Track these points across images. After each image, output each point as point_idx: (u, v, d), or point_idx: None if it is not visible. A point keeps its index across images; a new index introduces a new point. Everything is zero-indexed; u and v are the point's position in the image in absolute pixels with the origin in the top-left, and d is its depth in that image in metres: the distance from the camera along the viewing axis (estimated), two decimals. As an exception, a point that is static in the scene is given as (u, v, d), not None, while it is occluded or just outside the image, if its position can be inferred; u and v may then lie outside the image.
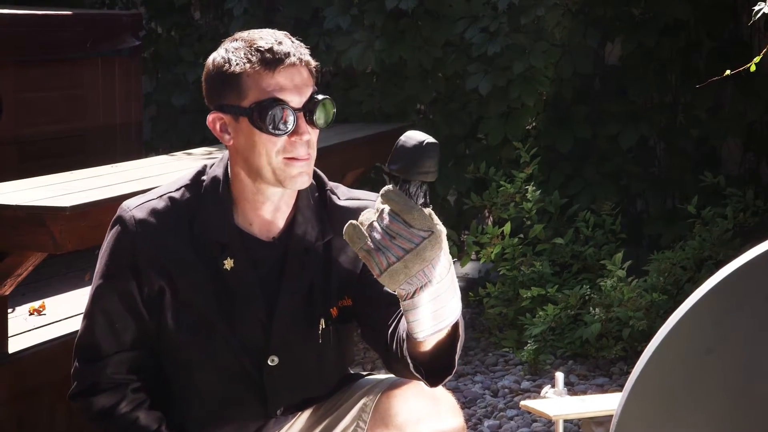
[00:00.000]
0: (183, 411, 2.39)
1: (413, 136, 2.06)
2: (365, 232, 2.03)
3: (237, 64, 2.30)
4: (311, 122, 2.32)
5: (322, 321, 2.40)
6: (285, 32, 2.36)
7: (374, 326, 2.38)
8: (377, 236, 2.02)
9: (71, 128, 5.40)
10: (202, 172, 2.43)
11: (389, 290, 2.09)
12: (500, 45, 5.49)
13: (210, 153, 4.95)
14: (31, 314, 4.16)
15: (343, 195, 2.49)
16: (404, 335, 2.23)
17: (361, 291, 2.41)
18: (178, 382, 2.39)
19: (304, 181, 2.33)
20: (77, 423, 3.75)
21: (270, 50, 2.29)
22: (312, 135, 2.33)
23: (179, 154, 5.03)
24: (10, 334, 3.71)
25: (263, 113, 2.28)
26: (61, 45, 5.42)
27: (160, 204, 2.37)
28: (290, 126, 2.29)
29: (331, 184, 2.48)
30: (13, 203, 3.43)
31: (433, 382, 2.26)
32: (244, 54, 2.30)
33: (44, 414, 3.72)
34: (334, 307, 2.41)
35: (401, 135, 2.07)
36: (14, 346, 3.71)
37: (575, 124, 5.70)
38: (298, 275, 2.38)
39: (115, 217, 2.40)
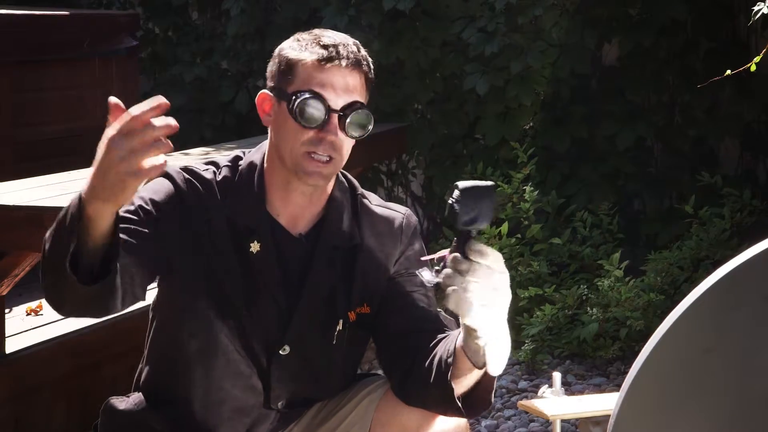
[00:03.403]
0: (184, 386, 2.38)
1: (471, 186, 2.05)
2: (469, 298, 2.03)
3: (297, 52, 2.34)
4: (343, 128, 2.32)
5: (340, 322, 2.41)
6: (355, 41, 2.39)
7: (394, 346, 2.39)
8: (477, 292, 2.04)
9: (68, 128, 5.40)
10: (239, 157, 2.44)
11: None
12: (498, 45, 5.49)
13: (207, 153, 4.95)
14: (28, 314, 4.16)
15: (375, 201, 2.50)
16: (447, 362, 2.24)
17: (388, 307, 2.42)
18: (186, 354, 2.37)
19: (318, 182, 2.33)
20: (74, 423, 3.76)
21: (331, 46, 2.33)
22: (342, 141, 2.33)
23: (176, 154, 5.02)
24: (7, 334, 3.71)
25: (299, 102, 2.30)
26: (59, 45, 5.42)
27: (206, 174, 2.38)
28: (319, 122, 2.30)
29: (362, 190, 2.49)
30: (11, 203, 3.43)
31: (470, 413, 2.28)
32: (307, 45, 2.34)
33: (41, 414, 3.72)
34: (353, 312, 2.42)
35: (454, 184, 2.06)
36: (11, 346, 3.71)
37: (572, 124, 5.70)
38: (324, 273, 2.39)
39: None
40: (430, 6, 5.74)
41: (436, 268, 2.10)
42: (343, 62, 2.32)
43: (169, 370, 2.41)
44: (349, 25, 5.71)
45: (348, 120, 2.31)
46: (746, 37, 5.68)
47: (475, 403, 2.27)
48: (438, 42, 5.75)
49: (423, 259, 2.15)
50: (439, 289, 2.07)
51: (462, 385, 2.25)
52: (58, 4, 6.39)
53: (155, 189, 2.33)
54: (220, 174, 2.39)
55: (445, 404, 2.27)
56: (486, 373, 2.22)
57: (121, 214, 2.14)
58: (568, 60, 5.68)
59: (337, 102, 2.31)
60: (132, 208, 2.25)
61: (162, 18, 6.70)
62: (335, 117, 2.31)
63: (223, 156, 2.46)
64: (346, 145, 2.34)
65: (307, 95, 2.30)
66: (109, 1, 6.85)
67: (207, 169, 2.40)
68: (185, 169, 2.38)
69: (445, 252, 2.12)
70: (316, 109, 2.29)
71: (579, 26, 5.71)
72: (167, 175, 2.35)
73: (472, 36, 5.56)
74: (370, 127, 2.34)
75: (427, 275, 2.11)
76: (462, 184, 2.06)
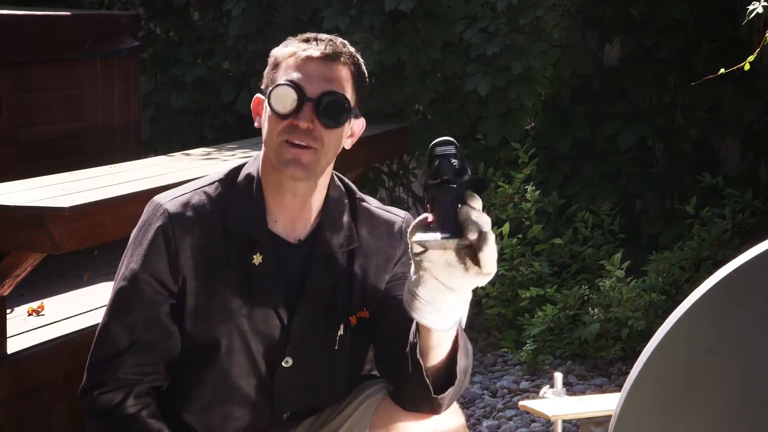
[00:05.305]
0: (188, 403, 2.38)
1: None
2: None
3: (281, 50, 2.38)
4: (317, 115, 2.31)
5: (342, 327, 2.40)
6: (343, 41, 2.41)
7: (389, 351, 2.39)
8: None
9: (70, 129, 5.40)
10: (237, 168, 2.44)
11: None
12: (499, 45, 5.49)
13: (208, 154, 4.95)
14: (29, 315, 4.16)
15: (374, 205, 2.50)
16: (414, 342, 2.26)
17: (385, 311, 2.42)
18: (189, 373, 2.37)
19: (297, 172, 2.32)
20: (76, 423, 3.76)
21: (312, 39, 2.36)
22: (321, 131, 2.32)
23: (177, 154, 5.03)
24: (8, 334, 3.71)
25: (272, 90, 2.33)
26: (60, 45, 5.42)
27: (193, 198, 2.37)
28: (290, 109, 2.30)
29: (360, 194, 2.49)
30: (12, 204, 3.43)
31: (438, 390, 2.29)
32: (291, 42, 2.38)
33: (43, 414, 3.72)
34: (353, 316, 2.42)
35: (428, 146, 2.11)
36: (13, 346, 3.71)
37: (574, 124, 5.70)
38: (322, 279, 2.39)
39: (146, 210, 2.39)
40: (432, 6, 5.73)
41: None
42: (317, 52, 2.33)
43: (171, 391, 2.40)
44: (351, 26, 5.71)
45: (321, 107, 2.31)
46: (748, 37, 5.68)
47: (443, 380, 2.27)
48: (439, 42, 5.75)
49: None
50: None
51: (429, 357, 2.24)
52: (60, 4, 6.39)
53: (140, 243, 2.36)
54: (213, 192, 2.39)
55: (422, 387, 2.26)
56: (451, 352, 2.23)
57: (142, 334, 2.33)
58: (569, 60, 5.68)
59: (314, 90, 2.32)
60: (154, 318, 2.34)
61: (163, 18, 6.69)
62: (309, 105, 2.31)
63: (219, 169, 2.46)
64: (327, 136, 2.33)
65: (279, 83, 2.32)
66: (111, 1, 6.85)
67: (195, 191, 2.39)
68: (170, 201, 2.37)
69: (428, 215, 2.06)
70: (286, 96, 2.30)
71: (580, 26, 5.71)
72: (151, 216, 2.36)
73: (474, 36, 5.56)
74: (345, 116, 2.34)
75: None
76: (439, 145, 2.08)
